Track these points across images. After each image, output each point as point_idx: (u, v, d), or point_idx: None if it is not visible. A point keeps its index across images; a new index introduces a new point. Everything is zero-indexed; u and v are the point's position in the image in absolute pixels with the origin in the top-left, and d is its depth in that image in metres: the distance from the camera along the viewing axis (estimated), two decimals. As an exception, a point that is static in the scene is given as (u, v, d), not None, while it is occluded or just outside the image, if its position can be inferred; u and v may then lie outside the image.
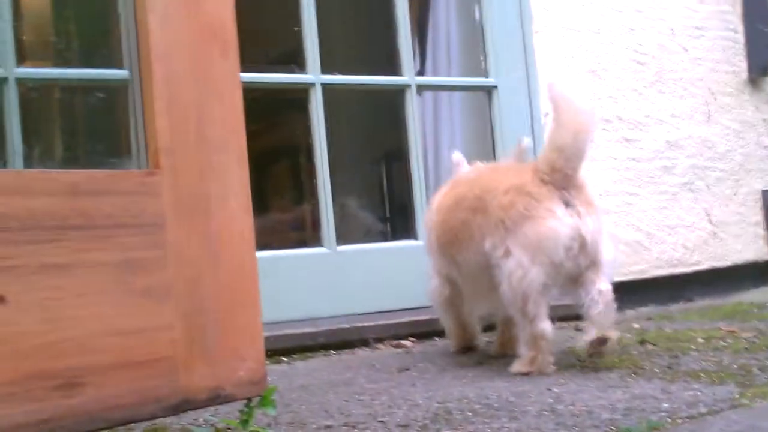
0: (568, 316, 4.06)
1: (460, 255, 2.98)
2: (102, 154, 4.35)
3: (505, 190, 2.76)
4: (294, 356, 3.43)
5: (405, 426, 2.06)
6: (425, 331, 3.73)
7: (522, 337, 2.77)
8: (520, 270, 2.68)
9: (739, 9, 5.12)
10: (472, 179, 3.07)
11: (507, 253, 2.71)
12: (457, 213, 2.97)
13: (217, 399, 1.84)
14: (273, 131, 6.25)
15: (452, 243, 3.00)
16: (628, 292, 4.47)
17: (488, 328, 3.76)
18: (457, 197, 3.02)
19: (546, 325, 2.72)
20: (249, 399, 1.92)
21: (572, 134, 2.68)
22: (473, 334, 3.35)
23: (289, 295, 3.68)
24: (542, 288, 2.70)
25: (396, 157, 5.89)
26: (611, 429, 1.90)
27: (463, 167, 3.35)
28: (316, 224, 4.11)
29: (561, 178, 2.70)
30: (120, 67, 3.52)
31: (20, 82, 3.34)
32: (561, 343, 3.35)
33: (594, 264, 2.74)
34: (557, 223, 2.68)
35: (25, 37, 4.55)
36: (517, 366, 2.77)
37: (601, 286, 2.72)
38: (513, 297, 2.71)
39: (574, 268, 2.73)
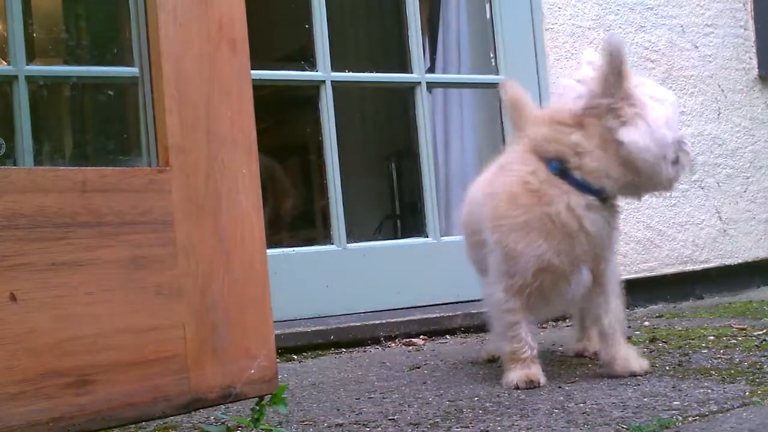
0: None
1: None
2: (111, 151, 4.36)
3: None
4: (305, 354, 3.43)
5: (416, 424, 2.06)
6: (436, 329, 3.74)
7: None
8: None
9: (749, 6, 5.10)
10: None
11: None
12: None
13: (228, 397, 1.84)
14: (283, 128, 6.26)
15: None
16: (638, 290, 4.47)
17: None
18: None
19: None
20: (260, 397, 1.92)
21: None
22: None
23: (300, 293, 3.68)
24: None
25: (406, 154, 5.90)
26: (622, 427, 1.89)
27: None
28: (326, 221, 4.12)
29: None
30: (130, 64, 3.52)
31: (30, 79, 3.35)
32: (571, 342, 3.34)
33: None
34: None
35: (35, 35, 4.56)
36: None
37: None
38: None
39: None
